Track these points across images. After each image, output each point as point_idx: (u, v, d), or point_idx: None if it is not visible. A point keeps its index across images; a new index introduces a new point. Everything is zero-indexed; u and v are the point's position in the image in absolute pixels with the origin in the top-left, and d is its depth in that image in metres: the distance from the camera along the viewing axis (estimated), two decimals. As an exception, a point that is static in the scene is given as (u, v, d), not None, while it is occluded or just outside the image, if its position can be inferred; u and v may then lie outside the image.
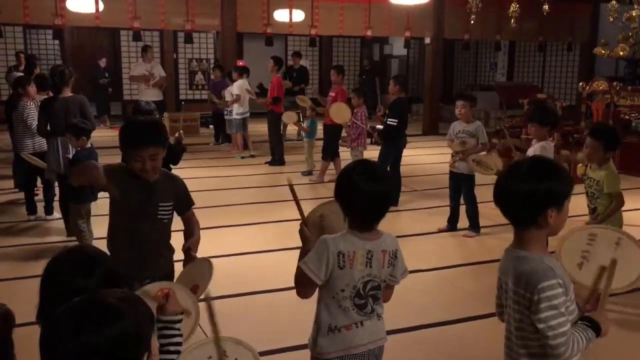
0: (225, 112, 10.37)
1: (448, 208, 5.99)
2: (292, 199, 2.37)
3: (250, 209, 6.77)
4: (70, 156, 5.59)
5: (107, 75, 13.47)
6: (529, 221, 1.79)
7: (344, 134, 8.25)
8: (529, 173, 1.77)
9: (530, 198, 1.75)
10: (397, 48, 17.41)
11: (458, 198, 5.87)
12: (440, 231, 5.94)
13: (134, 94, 14.67)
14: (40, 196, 6.34)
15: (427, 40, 12.96)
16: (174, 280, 2.52)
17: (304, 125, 8.94)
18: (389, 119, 6.71)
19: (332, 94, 8.34)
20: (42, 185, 6.20)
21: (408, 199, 7.25)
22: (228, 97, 10.11)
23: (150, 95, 10.14)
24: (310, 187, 7.98)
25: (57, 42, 13.86)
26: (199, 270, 2.42)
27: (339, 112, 7.55)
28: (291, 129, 11.87)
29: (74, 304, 1.18)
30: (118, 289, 1.30)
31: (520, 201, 1.77)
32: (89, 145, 5.04)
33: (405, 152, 7.09)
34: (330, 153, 8.26)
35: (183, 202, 2.77)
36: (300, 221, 2.29)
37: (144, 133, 2.55)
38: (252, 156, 10.04)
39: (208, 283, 2.30)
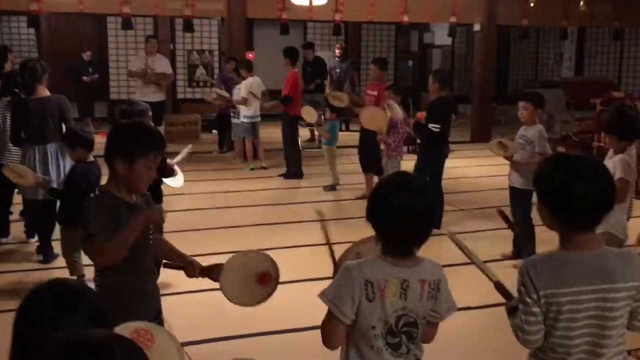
0: (232, 115, 10.52)
1: (505, 231, 5.95)
2: (323, 234, 2.41)
3: (260, 231, 6.83)
4: (61, 168, 5.71)
5: (91, 70, 13.66)
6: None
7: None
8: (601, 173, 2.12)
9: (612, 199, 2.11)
10: (440, 36, 17.42)
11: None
12: (504, 258, 5.93)
13: (122, 92, 14.91)
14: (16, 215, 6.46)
15: (477, 27, 12.98)
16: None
17: (324, 128, 8.99)
18: (428, 124, 6.72)
19: (371, 92, 8.32)
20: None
21: (453, 219, 7.24)
22: (237, 97, 10.15)
23: (148, 94, 10.22)
24: (336, 207, 8.01)
25: (32, 31, 14.16)
26: (247, 263, 2.82)
27: (373, 118, 7.33)
28: (304, 134, 11.92)
29: (60, 342, 1.22)
30: (106, 330, 1.34)
31: (609, 204, 2.10)
32: (90, 158, 5.09)
33: (448, 162, 7.10)
34: (373, 164, 8.12)
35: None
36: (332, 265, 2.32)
37: (157, 136, 2.72)
38: (264, 167, 10.12)
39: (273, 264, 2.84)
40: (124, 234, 2.57)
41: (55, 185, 5.49)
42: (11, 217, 6.57)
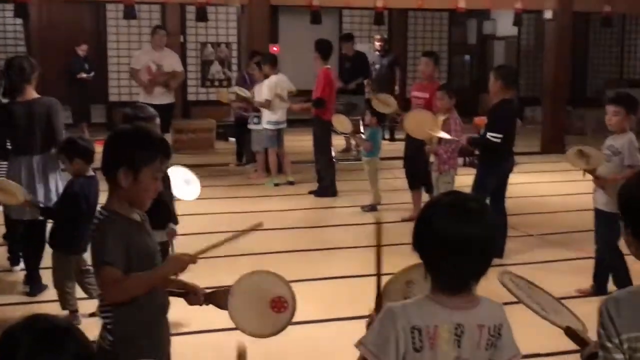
0: (252, 120, 10.60)
1: (584, 261, 5.91)
2: (376, 251, 2.43)
3: (287, 260, 6.84)
4: (51, 184, 5.81)
5: (87, 67, 13.88)
6: None
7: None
8: None
9: None
10: (503, 26, 17.38)
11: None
12: (581, 294, 5.87)
13: (123, 93, 15.14)
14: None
15: (548, 15, 12.91)
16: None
17: (363, 137, 9.00)
18: (488, 132, 6.70)
19: (419, 94, 8.26)
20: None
21: (519, 247, 7.19)
22: (259, 99, 10.22)
23: (154, 96, 10.36)
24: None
25: (19, 21, 14.44)
26: (255, 285, 2.92)
27: (420, 125, 7.27)
28: (338, 143, 11.97)
29: None
30: None
31: None
32: (90, 172, 5.17)
33: (512, 178, 7.06)
34: (421, 180, 8.11)
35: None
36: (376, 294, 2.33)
37: (162, 140, 2.84)
38: (290, 183, 10.19)
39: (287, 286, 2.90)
40: (149, 279, 2.72)
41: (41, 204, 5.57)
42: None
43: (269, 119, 10.09)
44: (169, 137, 11.22)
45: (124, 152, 2.72)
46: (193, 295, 2.97)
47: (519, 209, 8.39)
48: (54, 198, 5.73)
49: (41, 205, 5.46)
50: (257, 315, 2.89)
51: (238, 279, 2.95)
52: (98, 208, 2.86)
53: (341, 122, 8.89)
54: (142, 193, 2.73)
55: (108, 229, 2.70)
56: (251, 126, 10.58)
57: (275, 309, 2.88)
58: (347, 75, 12.52)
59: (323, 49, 9.57)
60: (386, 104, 8.35)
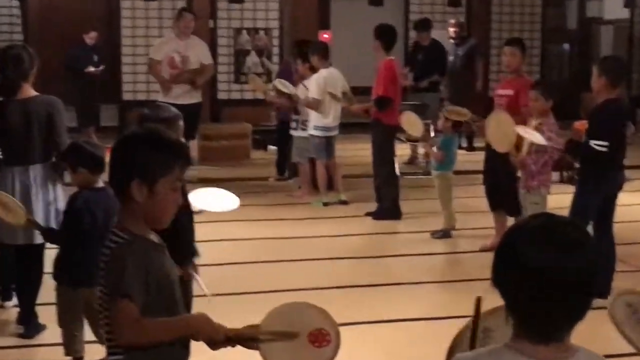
0: (295, 125, 10.63)
1: None
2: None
3: (340, 298, 6.83)
4: (51, 199, 5.89)
5: (96, 59, 14.02)
6: None
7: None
8: None
9: None
10: (612, 7, 17.22)
11: None
12: None
13: (139, 90, 15.30)
14: None
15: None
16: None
17: (433, 145, 8.98)
18: (591, 139, 6.63)
19: (504, 91, 8.16)
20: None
21: (628, 285, 7.07)
22: (304, 98, 10.23)
23: (177, 94, 10.44)
24: (450, 262, 8.04)
25: (15, 3, 14.70)
26: (291, 317, 2.96)
27: (503, 132, 7.19)
28: (403, 153, 11.93)
29: None
30: None
31: None
32: (99, 183, 5.18)
33: (621, 197, 6.97)
34: (505, 199, 7.99)
35: None
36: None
37: (180, 145, 2.93)
38: (343, 202, 10.19)
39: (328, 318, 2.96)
40: (174, 328, 2.78)
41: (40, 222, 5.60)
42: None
43: (316, 124, 10.10)
44: (194, 145, 11.34)
45: (136, 160, 2.76)
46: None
47: (629, 237, 8.28)
48: (54, 218, 5.80)
49: (42, 226, 5.49)
50: (294, 352, 2.91)
51: (267, 315, 2.96)
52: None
53: (412, 123, 8.87)
54: (160, 208, 2.78)
55: (126, 254, 2.73)
56: (295, 132, 10.59)
57: (315, 344, 2.89)
58: (420, 69, 12.51)
59: (385, 36, 9.55)
60: (459, 114, 8.39)
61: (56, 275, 5.27)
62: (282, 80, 10.62)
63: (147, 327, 2.70)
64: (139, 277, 2.69)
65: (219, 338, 2.81)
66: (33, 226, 5.38)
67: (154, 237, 2.84)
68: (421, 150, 11.33)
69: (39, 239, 5.62)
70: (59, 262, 5.26)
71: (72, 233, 5.12)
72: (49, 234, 5.39)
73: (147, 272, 2.72)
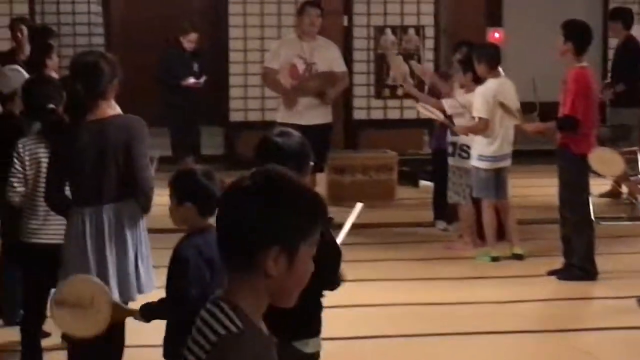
0: (450, 149, 10.58)
1: None
2: None
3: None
4: (135, 251, 5.99)
5: (197, 68, 14.23)
6: None
7: None
8: None
9: None
10: None
11: None
12: None
13: (251, 108, 15.42)
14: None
15: None
16: None
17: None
18: None
19: None
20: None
21: None
22: (462, 116, 10.20)
23: (302, 113, 10.60)
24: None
25: (94, 2, 15.14)
26: None
27: None
28: (598, 189, 11.77)
29: None
30: None
31: None
32: (208, 224, 5.18)
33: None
34: None
35: None
36: None
37: (316, 195, 2.83)
38: (518, 257, 10.10)
39: None
40: None
41: (116, 286, 5.72)
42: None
43: (482, 152, 10.03)
44: (322, 180, 11.40)
45: (276, 221, 2.64)
46: None
47: None
48: (133, 274, 5.89)
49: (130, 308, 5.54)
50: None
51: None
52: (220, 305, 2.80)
53: (606, 161, 8.86)
54: (296, 281, 2.68)
55: (232, 351, 2.66)
56: (452, 161, 10.55)
57: None
58: (616, 74, 12.37)
59: (577, 36, 9.45)
60: None
61: (167, 352, 5.26)
62: (426, 105, 10.70)
63: None
64: None
65: None
66: (121, 315, 5.36)
67: (263, 326, 2.80)
68: (624, 188, 11.13)
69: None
70: (170, 336, 5.29)
71: (186, 300, 5.12)
72: (151, 311, 5.33)
73: None
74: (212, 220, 4.75)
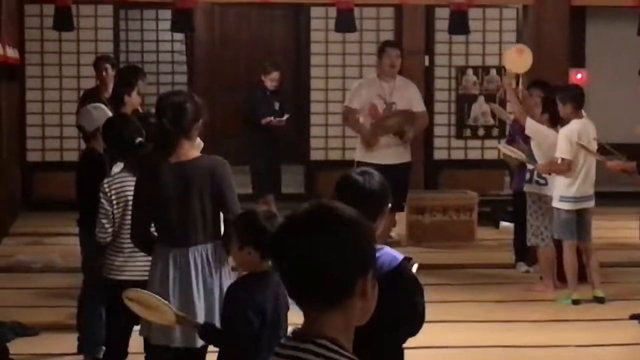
0: (528, 175, 10.39)
1: None
2: None
3: None
4: (215, 289, 6.00)
5: (278, 107, 14.27)
6: None
7: None
8: None
9: None
10: None
11: None
12: None
13: (332, 147, 15.45)
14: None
15: None
16: None
17: None
18: None
19: None
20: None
21: None
22: (542, 157, 10.09)
23: (381, 153, 10.60)
24: None
25: (179, 36, 15.28)
26: None
27: None
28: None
29: None
30: None
31: None
32: (267, 268, 5.12)
33: None
34: None
35: None
36: None
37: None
38: (600, 299, 9.95)
39: None
40: None
41: (201, 319, 5.70)
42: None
43: (564, 193, 9.93)
44: (402, 219, 11.37)
45: (366, 245, 2.65)
46: None
47: None
48: (218, 312, 5.85)
49: (199, 325, 5.54)
50: None
51: None
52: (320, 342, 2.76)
53: None
54: (371, 305, 2.71)
55: None
56: (528, 187, 10.44)
57: None
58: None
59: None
60: None
61: None
62: (507, 146, 10.68)
63: None
64: None
65: None
66: (185, 323, 5.49)
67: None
68: None
69: (200, 341, 5.71)
70: None
71: (236, 335, 5.15)
72: (207, 333, 5.45)
73: None
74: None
